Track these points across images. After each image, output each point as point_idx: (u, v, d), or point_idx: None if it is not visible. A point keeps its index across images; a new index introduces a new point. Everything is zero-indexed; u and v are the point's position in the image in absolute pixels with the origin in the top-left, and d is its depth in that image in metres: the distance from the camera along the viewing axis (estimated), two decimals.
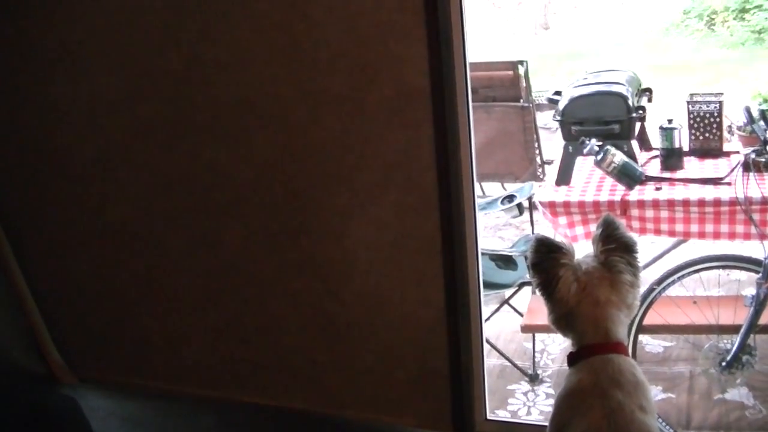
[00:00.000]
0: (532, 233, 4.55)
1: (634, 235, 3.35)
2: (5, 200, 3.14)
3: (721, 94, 3.73)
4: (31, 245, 3.18)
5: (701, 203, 3.33)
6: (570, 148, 3.71)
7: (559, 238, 3.51)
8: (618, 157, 3.47)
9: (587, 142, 3.55)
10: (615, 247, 2.09)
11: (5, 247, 3.16)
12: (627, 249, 2.09)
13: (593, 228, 2.26)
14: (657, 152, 3.73)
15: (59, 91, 2.89)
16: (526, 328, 3.92)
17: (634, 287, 2.09)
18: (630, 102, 3.64)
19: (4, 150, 3.07)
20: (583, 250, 2.18)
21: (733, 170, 3.40)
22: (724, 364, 3.38)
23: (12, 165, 3.08)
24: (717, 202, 3.31)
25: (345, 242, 2.71)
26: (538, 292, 2.11)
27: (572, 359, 2.08)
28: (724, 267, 3.49)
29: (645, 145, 3.90)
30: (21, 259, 3.19)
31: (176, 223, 2.90)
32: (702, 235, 3.40)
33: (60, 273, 3.19)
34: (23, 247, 3.19)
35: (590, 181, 3.66)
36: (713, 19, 10.04)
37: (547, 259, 2.07)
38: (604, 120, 3.66)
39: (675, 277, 3.39)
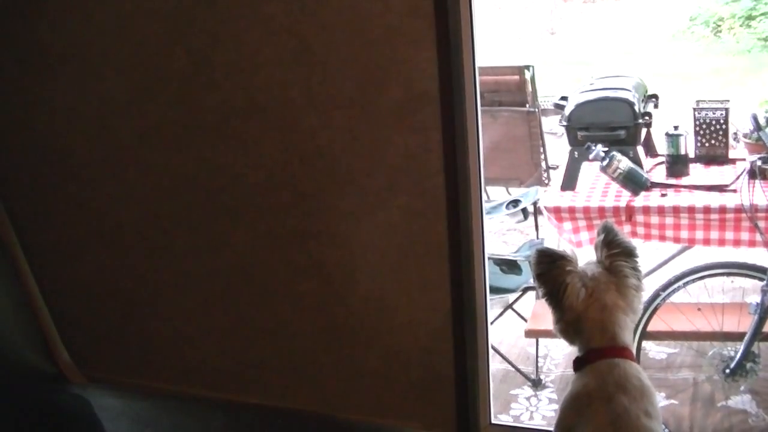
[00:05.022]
0: (537, 238, 4.56)
1: (638, 241, 3.37)
2: (14, 201, 3.15)
3: (728, 101, 3.74)
4: (41, 246, 3.19)
5: (706, 210, 3.34)
6: (576, 153, 3.72)
7: (562, 245, 3.53)
8: (624, 162, 3.48)
9: (593, 147, 3.56)
10: (619, 252, 2.10)
11: (16, 249, 3.17)
12: (629, 254, 2.12)
13: None
14: (663, 158, 3.74)
15: (68, 92, 2.90)
16: (529, 333, 3.93)
17: (639, 291, 2.11)
18: (636, 108, 3.65)
19: (12, 151, 3.08)
20: (588, 256, 2.19)
21: (738, 177, 3.41)
22: (727, 371, 3.39)
23: (21, 166, 3.09)
24: (722, 209, 3.32)
25: (352, 246, 2.71)
26: (545, 301, 2.11)
27: (578, 364, 2.09)
28: (728, 274, 3.50)
29: (651, 151, 3.91)
30: (31, 260, 3.20)
31: (184, 225, 2.91)
32: (707, 242, 3.40)
33: (69, 274, 3.20)
34: (33, 249, 3.19)
35: (595, 187, 3.67)
36: (719, 26, 10.05)
37: (552, 268, 2.08)
38: (610, 126, 3.67)
39: (679, 283, 3.40)
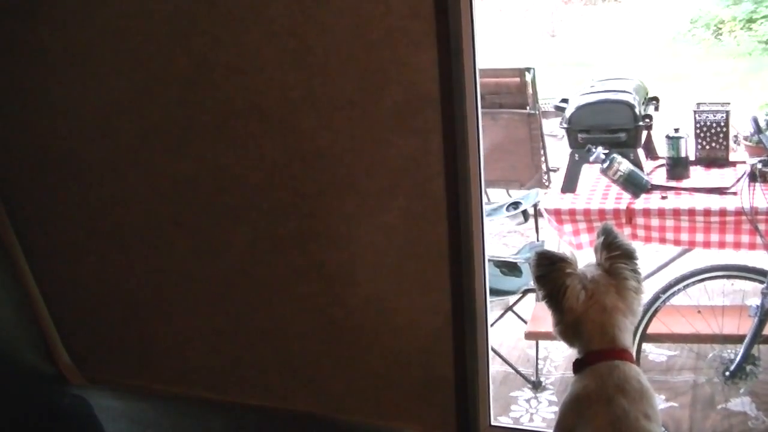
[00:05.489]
0: (537, 240, 4.56)
1: (638, 244, 3.37)
2: (15, 203, 3.15)
3: (728, 103, 3.73)
4: (41, 247, 3.19)
5: (707, 213, 3.33)
6: (576, 155, 3.71)
7: (562, 247, 3.53)
8: (624, 165, 3.48)
9: (593, 149, 3.55)
10: (619, 254, 2.10)
11: (16, 251, 3.17)
12: (629, 256, 2.12)
13: None
14: (663, 161, 3.74)
15: (68, 93, 2.90)
16: (529, 335, 3.93)
17: (639, 293, 2.12)
18: (637, 110, 3.65)
19: (13, 152, 3.08)
20: (588, 258, 2.20)
21: (739, 180, 3.41)
22: (727, 373, 3.39)
23: (21, 167, 3.09)
24: (723, 212, 3.31)
25: (352, 248, 2.71)
26: (544, 304, 2.11)
27: (578, 366, 2.09)
28: (728, 277, 3.50)
29: (651, 153, 3.91)
30: (31, 261, 3.20)
31: (184, 226, 2.91)
32: (707, 244, 3.40)
33: (69, 275, 3.20)
34: (33, 250, 3.19)
35: (596, 189, 3.67)
36: (720, 28, 10.04)
37: (552, 270, 2.08)
38: (610, 128, 3.67)
39: (680, 286, 3.40)
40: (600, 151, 3.53)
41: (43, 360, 3.26)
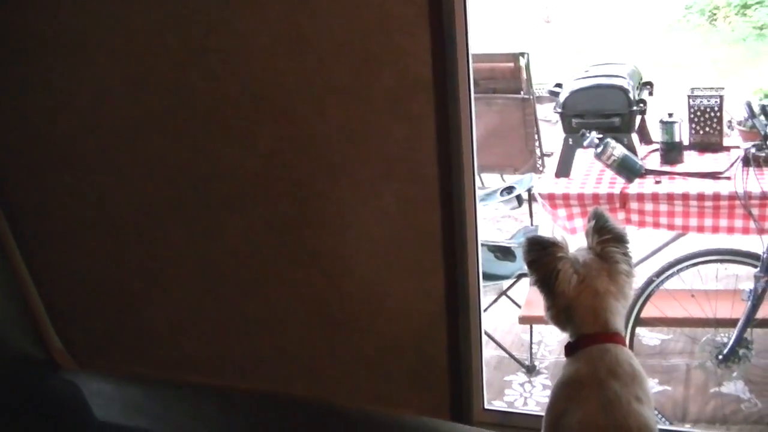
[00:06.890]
0: (531, 225, 4.58)
1: (632, 228, 3.39)
2: (8, 189, 3.14)
3: (722, 88, 3.74)
4: (34, 234, 3.18)
5: (700, 197, 3.34)
6: (570, 140, 3.72)
7: (556, 231, 3.54)
8: (618, 150, 3.48)
9: (587, 134, 3.56)
10: (610, 238, 2.11)
11: (8, 236, 3.17)
12: (620, 240, 2.11)
13: None
14: (657, 146, 3.75)
15: (61, 81, 2.89)
16: (523, 320, 3.95)
17: (630, 277, 2.11)
18: (631, 95, 3.66)
19: (7, 140, 3.07)
20: (582, 242, 2.20)
21: (732, 165, 3.42)
22: (720, 357, 3.41)
23: (15, 154, 3.08)
24: (716, 197, 3.33)
25: (346, 234, 2.72)
26: (536, 288, 2.12)
27: (570, 350, 2.10)
28: (722, 261, 3.52)
29: (645, 138, 3.92)
30: (23, 247, 3.19)
31: (178, 213, 2.91)
32: (701, 229, 3.41)
33: (62, 262, 3.20)
34: (25, 236, 3.19)
35: (590, 174, 3.68)
36: (715, 14, 10.04)
37: (543, 254, 2.08)
38: (604, 113, 3.68)
39: (673, 270, 3.42)
40: (594, 135, 3.54)
41: (34, 345, 3.26)
